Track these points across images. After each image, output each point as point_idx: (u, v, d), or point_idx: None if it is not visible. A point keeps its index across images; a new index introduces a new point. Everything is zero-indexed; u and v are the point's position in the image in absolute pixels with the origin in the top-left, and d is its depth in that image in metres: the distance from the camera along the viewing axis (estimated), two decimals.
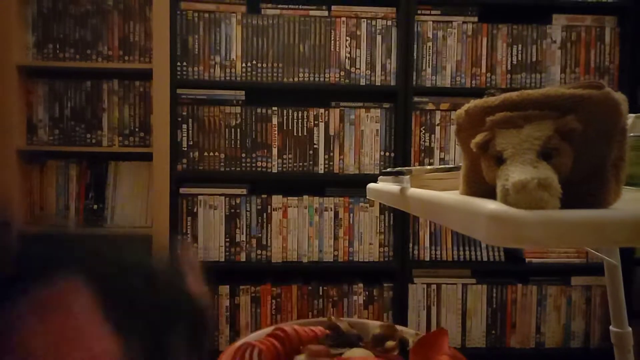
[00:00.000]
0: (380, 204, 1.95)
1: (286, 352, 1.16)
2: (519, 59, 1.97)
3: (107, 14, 1.95)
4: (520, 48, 1.97)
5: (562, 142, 0.45)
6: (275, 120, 1.92)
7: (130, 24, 1.96)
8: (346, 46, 1.94)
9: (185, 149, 1.91)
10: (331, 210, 1.94)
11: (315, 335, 1.21)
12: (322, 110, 1.94)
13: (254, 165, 1.93)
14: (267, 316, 1.93)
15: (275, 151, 1.93)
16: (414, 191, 0.68)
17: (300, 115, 1.93)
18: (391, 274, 1.96)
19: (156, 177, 1.86)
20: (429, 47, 1.95)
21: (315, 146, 1.94)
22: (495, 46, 1.97)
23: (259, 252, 1.93)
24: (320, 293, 1.94)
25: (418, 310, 1.96)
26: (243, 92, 1.93)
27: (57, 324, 0.24)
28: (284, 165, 1.93)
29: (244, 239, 1.92)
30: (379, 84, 1.95)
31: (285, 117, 1.93)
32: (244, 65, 1.92)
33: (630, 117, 0.82)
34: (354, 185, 1.92)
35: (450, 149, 1.96)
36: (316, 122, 1.93)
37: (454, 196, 0.53)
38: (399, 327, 1.28)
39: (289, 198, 1.93)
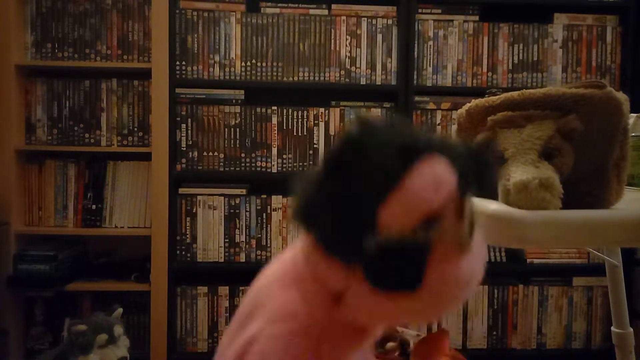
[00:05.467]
0: None
1: None
2: (520, 58, 1.96)
3: (106, 13, 1.95)
4: (521, 47, 1.96)
5: (564, 141, 0.44)
6: (275, 120, 1.92)
7: (129, 23, 1.95)
8: (346, 45, 1.93)
9: (184, 148, 1.90)
10: None
11: None
12: (322, 110, 1.93)
13: (253, 165, 1.92)
14: None
15: (275, 151, 1.92)
16: None
17: (300, 114, 1.92)
18: None
19: (155, 177, 1.85)
20: (430, 46, 1.95)
21: (315, 146, 1.93)
22: (496, 45, 1.96)
23: (258, 252, 1.92)
24: None
25: None
26: (242, 92, 1.92)
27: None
28: (284, 165, 1.92)
29: (244, 240, 1.91)
30: (380, 84, 1.94)
31: (285, 117, 1.92)
32: (243, 64, 1.91)
33: (632, 117, 0.82)
34: None
35: None
36: (316, 121, 1.93)
37: None
38: (399, 328, 1.27)
39: (288, 198, 1.92)
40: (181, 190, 1.91)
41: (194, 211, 1.90)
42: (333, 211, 0.40)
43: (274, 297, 0.46)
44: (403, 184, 0.38)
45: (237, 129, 1.91)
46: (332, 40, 1.93)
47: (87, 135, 1.96)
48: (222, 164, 1.91)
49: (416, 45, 1.93)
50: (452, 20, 1.95)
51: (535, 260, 1.95)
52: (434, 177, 0.39)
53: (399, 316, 0.43)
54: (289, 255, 0.49)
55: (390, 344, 1.19)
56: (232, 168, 1.92)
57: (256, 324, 0.45)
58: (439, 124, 1.95)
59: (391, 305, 0.41)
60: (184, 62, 1.90)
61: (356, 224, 0.39)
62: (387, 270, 0.40)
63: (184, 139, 1.90)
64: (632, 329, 1.11)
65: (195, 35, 1.90)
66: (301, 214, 0.42)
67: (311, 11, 1.93)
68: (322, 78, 1.93)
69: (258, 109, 1.92)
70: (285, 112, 1.92)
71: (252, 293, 0.51)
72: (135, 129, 1.97)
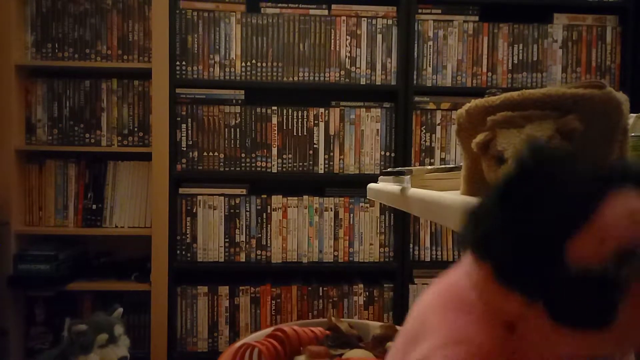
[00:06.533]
0: (380, 204, 1.95)
1: (286, 353, 1.15)
2: (520, 58, 1.96)
3: (106, 13, 1.95)
4: (521, 47, 1.96)
5: (563, 142, 0.44)
6: (275, 120, 1.92)
7: (129, 23, 1.95)
8: (346, 45, 1.93)
9: (185, 148, 1.90)
10: (331, 210, 1.93)
11: (315, 336, 1.20)
12: (322, 110, 1.93)
13: (253, 165, 1.92)
14: (266, 317, 1.92)
15: (275, 151, 1.92)
16: (414, 191, 0.67)
17: (300, 114, 1.92)
18: (392, 274, 1.95)
19: (155, 177, 1.86)
20: (430, 46, 1.95)
21: (315, 146, 1.93)
22: (496, 45, 1.96)
23: (258, 252, 1.92)
24: (320, 294, 1.93)
25: None
26: (242, 92, 1.92)
27: None
28: (284, 165, 1.93)
29: (244, 240, 1.92)
30: (380, 84, 1.94)
31: (285, 117, 1.92)
32: (243, 64, 1.91)
33: (632, 117, 0.82)
34: (354, 186, 1.92)
35: (451, 149, 1.96)
36: (316, 121, 1.93)
37: (454, 196, 0.53)
38: (399, 328, 1.27)
39: (288, 198, 1.93)
40: (181, 190, 1.91)
41: (194, 211, 1.90)
42: (516, 244, 0.38)
43: (443, 320, 0.45)
44: (596, 215, 0.37)
45: (237, 129, 1.91)
46: (332, 41, 1.93)
47: (87, 135, 1.96)
48: (222, 164, 1.91)
49: (416, 45, 1.94)
50: (452, 21, 1.95)
51: None
52: (629, 208, 0.37)
53: (580, 351, 0.40)
54: (452, 278, 0.48)
55: (389, 344, 1.19)
56: (232, 168, 1.92)
57: (425, 346, 0.44)
58: (438, 124, 1.95)
59: (574, 341, 0.39)
60: (184, 62, 1.90)
61: (542, 258, 0.37)
62: (575, 306, 0.37)
63: (184, 139, 1.90)
64: None
65: (196, 35, 1.90)
66: (476, 244, 0.40)
67: (311, 11, 1.93)
68: (322, 78, 1.93)
69: (258, 109, 1.92)
70: (285, 112, 1.92)
71: (416, 314, 0.50)
72: (136, 129, 1.97)
